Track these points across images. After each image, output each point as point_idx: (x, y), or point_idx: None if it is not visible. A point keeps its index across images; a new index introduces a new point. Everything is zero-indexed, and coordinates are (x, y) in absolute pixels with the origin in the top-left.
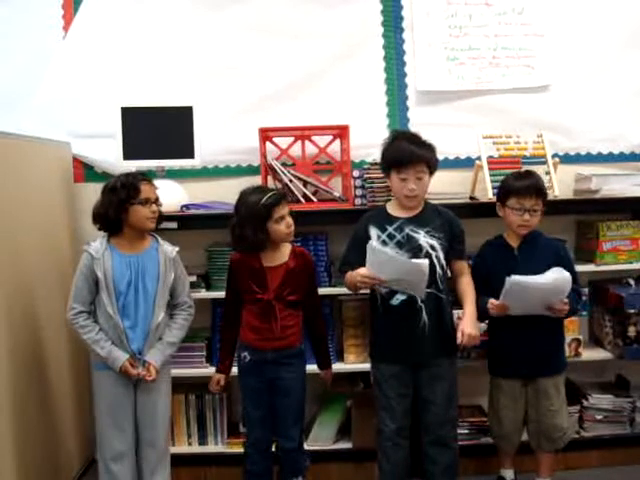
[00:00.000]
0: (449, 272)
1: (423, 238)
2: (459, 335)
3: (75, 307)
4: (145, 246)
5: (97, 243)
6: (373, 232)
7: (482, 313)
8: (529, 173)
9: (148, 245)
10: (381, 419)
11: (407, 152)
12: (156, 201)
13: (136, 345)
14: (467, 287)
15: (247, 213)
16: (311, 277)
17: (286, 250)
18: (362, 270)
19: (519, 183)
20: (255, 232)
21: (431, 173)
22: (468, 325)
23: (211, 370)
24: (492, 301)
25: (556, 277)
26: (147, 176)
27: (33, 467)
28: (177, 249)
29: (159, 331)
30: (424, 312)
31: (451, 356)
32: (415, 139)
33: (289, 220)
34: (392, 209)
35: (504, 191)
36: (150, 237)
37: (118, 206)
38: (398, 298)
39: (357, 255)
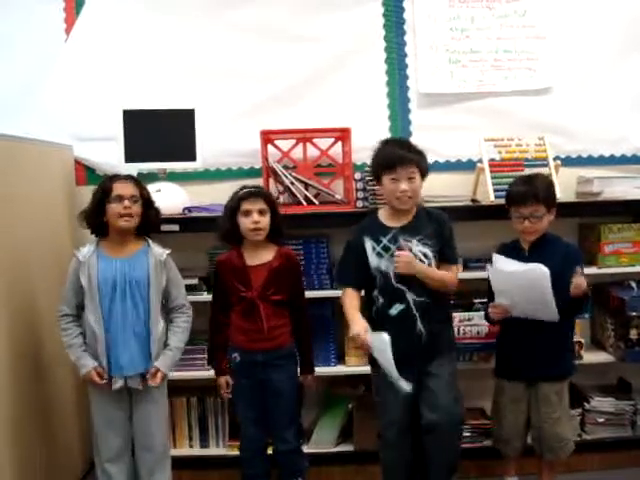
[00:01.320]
0: None
1: (415, 247)
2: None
3: (61, 310)
4: (134, 250)
5: (86, 248)
6: (368, 244)
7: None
8: (531, 179)
9: (137, 249)
10: (382, 424)
11: (397, 154)
12: (132, 198)
13: (125, 354)
14: (442, 273)
15: (226, 203)
16: (296, 278)
17: (271, 250)
18: (492, 303)
19: (516, 191)
20: (224, 220)
21: (422, 177)
22: (406, 256)
23: (213, 373)
24: (490, 304)
25: (531, 267)
26: (132, 176)
27: (33, 467)
28: (168, 252)
29: (162, 339)
30: (419, 321)
31: (451, 361)
32: (404, 144)
33: (255, 217)
34: (385, 218)
35: (506, 198)
36: (142, 241)
37: (95, 207)
38: (397, 307)
39: (354, 268)
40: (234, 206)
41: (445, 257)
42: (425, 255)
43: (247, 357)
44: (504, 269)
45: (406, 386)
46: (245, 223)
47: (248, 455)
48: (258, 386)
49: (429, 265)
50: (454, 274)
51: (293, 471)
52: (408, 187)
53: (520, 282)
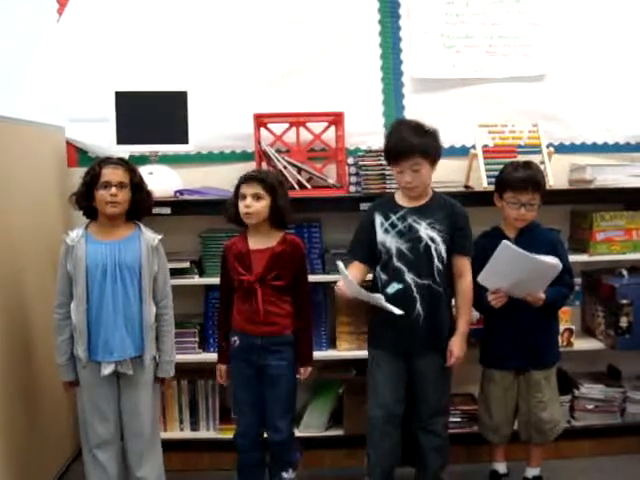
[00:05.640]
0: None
1: (424, 230)
2: (448, 355)
3: (58, 298)
4: (124, 234)
5: (75, 232)
6: (378, 219)
7: (482, 306)
8: (527, 165)
9: (128, 233)
10: (370, 405)
11: (400, 145)
12: (119, 185)
13: (116, 338)
14: (464, 298)
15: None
16: (299, 265)
17: (276, 236)
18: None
19: (515, 177)
20: (229, 202)
21: (433, 161)
22: (457, 346)
23: (204, 356)
24: (490, 291)
25: (549, 260)
26: (124, 160)
27: (20, 452)
28: (160, 237)
29: (154, 325)
30: (418, 303)
31: (445, 348)
32: (413, 128)
33: (247, 201)
34: (399, 197)
35: (501, 183)
36: (132, 225)
37: (84, 191)
38: (394, 286)
39: (363, 243)
40: (236, 190)
41: (458, 247)
42: (432, 239)
43: (246, 341)
44: (518, 256)
45: (396, 310)
46: (240, 206)
47: (243, 441)
48: (256, 371)
49: (435, 249)
50: (468, 273)
51: (284, 462)
52: (412, 178)
53: (528, 268)
